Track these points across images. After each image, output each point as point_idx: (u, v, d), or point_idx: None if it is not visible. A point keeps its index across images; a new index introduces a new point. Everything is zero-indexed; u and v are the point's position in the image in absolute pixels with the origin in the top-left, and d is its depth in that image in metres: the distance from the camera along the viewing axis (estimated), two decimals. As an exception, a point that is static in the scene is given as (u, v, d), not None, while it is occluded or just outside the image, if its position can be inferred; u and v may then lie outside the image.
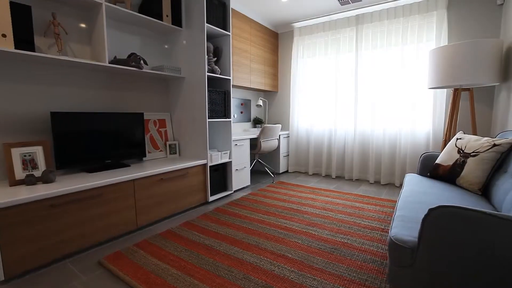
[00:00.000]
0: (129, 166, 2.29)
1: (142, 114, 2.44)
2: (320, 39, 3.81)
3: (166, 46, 2.81)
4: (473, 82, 2.36)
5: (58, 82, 2.02)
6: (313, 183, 3.57)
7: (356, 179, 3.71)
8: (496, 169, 1.79)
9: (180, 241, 1.90)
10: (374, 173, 3.54)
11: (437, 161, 2.15)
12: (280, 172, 4.08)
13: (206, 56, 2.54)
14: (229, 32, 2.81)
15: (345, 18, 3.55)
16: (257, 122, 4.34)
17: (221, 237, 1.96)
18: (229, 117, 2.91)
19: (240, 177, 3.18)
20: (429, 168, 2.27)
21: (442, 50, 2.54)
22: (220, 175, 2.92)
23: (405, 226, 1.21)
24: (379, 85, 3.39)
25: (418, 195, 1.67)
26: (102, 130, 2.15)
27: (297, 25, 3.98)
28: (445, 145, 2.85)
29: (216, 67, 2.73)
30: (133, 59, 2.25)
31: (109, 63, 2.12)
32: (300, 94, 4.07)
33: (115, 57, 2.28)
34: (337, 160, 3.84)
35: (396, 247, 1.10)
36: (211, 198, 2.74)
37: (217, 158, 2.78)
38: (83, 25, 2.12)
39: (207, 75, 2.59)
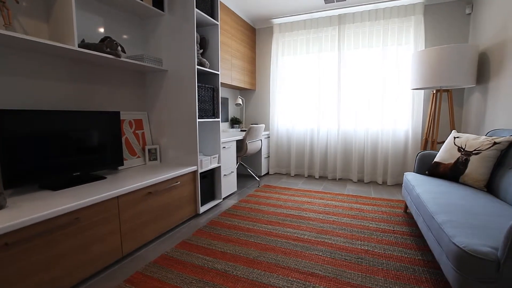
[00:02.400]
0: (105, 178, 1.82)
1: (118, 113, 1.98)
2: (301, 37, 3.72)
3: (143, 33, 2.36)
4: (453, 83, 2.51)
5: (4, 70, 1.47)
6: (300, 185, 3.46)
7: (339, 179, 3.73)
8: (496, 166, 1.89)
9: (185, 269, 1.55)
10: (357, 172, 3.60)
11: (436, 160, 2.21)
12: (262, 174, 3.89)
13: (196, 47, 2.19)
14: (218, 21, 2.49)
15: (327, 17, 3.53)
16: (234, 122, 4.06)
17: (232, 257, 1.67)
18: (218, 117, 2.59)
19: (228, 183, 2.88)
20: (427, 166, 2.33)
21: (425, 53, 2.65)
22: (208, 182, 2.59)
23: (469, 234, 1.13)
24: (362, 85, 3.45)
25: (442, 195, 1.65)
26: (68, 133, 1.65)
27: (276, 21, 3.83)
28: (425, 143, 3.01)
29: (204, 60, 2.39)
30: (108, 45, 1.79)
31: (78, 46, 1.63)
32: (280, 93, 3.93)
33: (82, 40, 1.79)
34: (320, 160, 3.81)
35: (474, 259, 1.00)
36: (201, 210, 2.39)
37: (207, 163, 2.44)
38: (36, -5, 1.59)
39: (197, 69, 2.24)
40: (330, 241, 1.88)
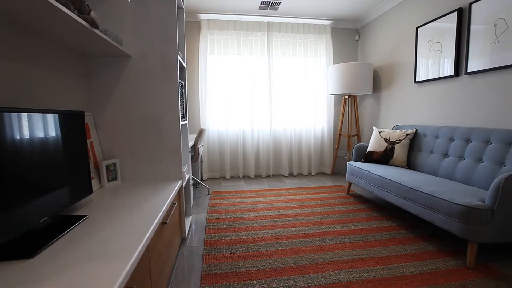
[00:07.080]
0: (86, 217, 1.15)
1: (81, 114, 1.29)
2: (232, 37, 3.68)
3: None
4: (359, 91, 3.37)
5: None
6: (245, 186, 3.45)
7: (273, 175, 4.02)
8: (409, 150, 2.73)
9: (244, 303, 1.27)
10: (288, 167, 4.01)
11: (369, 149, 2.89)
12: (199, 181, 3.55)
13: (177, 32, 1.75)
14: (183, 4, 2.08)
15: (257, 22, 3.69)
16: (161, 125, 3.46)
17: (276, 272, 1.52)
18: (186, 119, 2.18)
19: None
20: (362, 155, 2.99)
21: (340, 67, 3.39)
22: (180, 198, 2.13)
23: (458, 196, 1.63)
24: (289, 89, 3.86)
25: (401, 175, 2.21)
26: (15, 150, 0.92)
27: (204, 16, 3.59)
28: (339, 138, 3.82)
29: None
30: (76, 4, 1.14)
31: None
32: (210, 94, 3.72)
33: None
34: (255, 160, 3.94)
35: (475, 211, 1.49)
36: (186, 231, 1.95)
37: (186, 175, 2.01)
38: None
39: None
40: (331, 229, 2.08)
